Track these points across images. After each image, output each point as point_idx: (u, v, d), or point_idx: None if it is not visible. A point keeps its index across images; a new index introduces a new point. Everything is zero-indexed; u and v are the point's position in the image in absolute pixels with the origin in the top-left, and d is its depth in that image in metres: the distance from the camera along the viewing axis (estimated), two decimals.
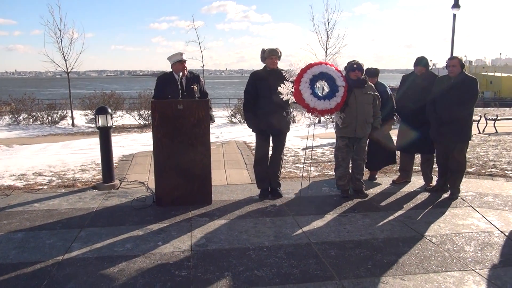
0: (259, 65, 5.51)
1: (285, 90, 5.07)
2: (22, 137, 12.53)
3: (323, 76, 5.12)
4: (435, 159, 5.89)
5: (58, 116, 16.70)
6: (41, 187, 6.09)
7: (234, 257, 3.80)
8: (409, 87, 5.83)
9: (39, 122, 16.28)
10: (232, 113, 17.42)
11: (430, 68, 6.09)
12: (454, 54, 17.18)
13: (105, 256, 3.81)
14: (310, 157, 7.91)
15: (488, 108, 24.68)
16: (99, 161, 6.27)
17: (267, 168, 5.57)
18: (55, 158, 8.30)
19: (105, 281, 3.36)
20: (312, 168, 7.15)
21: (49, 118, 16.39)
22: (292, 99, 5.13)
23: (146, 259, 3.75)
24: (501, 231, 4.41)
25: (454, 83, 5.28)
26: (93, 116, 14.91)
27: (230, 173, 6.93)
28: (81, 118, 16.99)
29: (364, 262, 3.72)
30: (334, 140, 6.01)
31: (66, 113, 17.07)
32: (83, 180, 6.45)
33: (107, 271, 3.53)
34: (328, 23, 16.91)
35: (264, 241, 4.17)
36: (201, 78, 5.74)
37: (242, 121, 15.90)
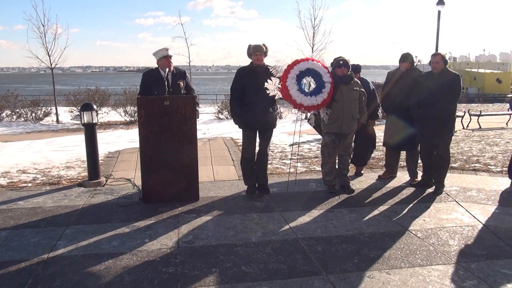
0: (246, 61, 5.50)
1: (272, 86, 5.07)
2: (5, 134, 12.34)
3: (309, 72, 5.14)
4: (419, 154, 5.95)
5: (42, 112, 16.49)
6: (25, 184, 6.02)
7: (221, 253, 3.80)
8: (400, 81, 5.83)
9: (22, 119, 16.06)
10: (219, 109, 17.38)
11: (415, 64, 6.15)
12: (438, 51, 17.37)
13: (91, 254, 3.78)
14: (297, 153, 7.93)
15: (472, 104, 25.01)
16: (85, 158, 6.21)
17: (254, 164, 5.57)
18: (40, 155, 8.19)
19: (91, 279, 3.34)
20: (299, 164, 7.18)
21: (33, 114, 16.17)
22: (278, 95, 5.14)
23: (133, 256, 3.73)
24: (484, 225, 4.49)
25: (437, 79, 5.35)
26: (78, 113, 14.75)
27: (217, 169, 6.92)
28: (65, 114, 16.79)
29: (350, 256, 3.75)
30: (320, 136, 6.04)
31: (51, 109, 16.86)
32: (68, 178, 6.38)
33: (93, 269, 3.50)
34: (315, 19, 16.96)
35: (251, 237, 4.18)
36: (187, 74, 5.70)
37: (229, 118, 15.87)
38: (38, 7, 22.19)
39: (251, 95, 5.25)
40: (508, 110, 14.51)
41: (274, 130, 5.64)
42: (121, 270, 3.48)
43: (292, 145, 8.80)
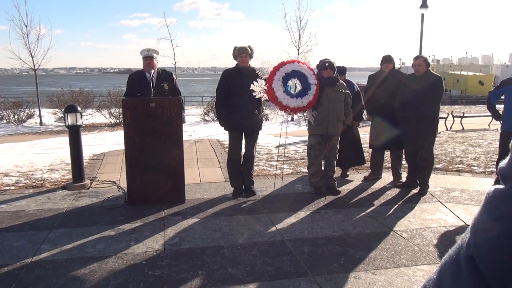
0: (232, 63, 5.50)
1: (258, 88, 5.07)
2: None
3: (295, 74, 5.16)
4: (404, 155, 6.02)
5: (25, 114, 16.23)
6: (7, 188, 5.91)
7: (207, 256, 3.78)
8: (385, 83, 5.86)
9: (4, 121, 15.79)
10: (205, 111, 17.31)
11: (400, 67, 6.22)
12: (422, 53, 17.56)
13: (76, 258, 3.73)
14: (283, 154, 7.95)
15: (455, 106, 25.36)
16: (69, 161, 6.13)
17: (240, 166, 5.57)
18: (22, 158, 8.06)
19: (75, 283, 3.29)
20: (285, 166, 7.19)
21: (16, 116, 15.90)
22: (264, 97, 5.15)
23: (118, 260, 3.70)
24: (467, 225, 4.54)
25: (420, 81, 5.43)
26: (61, 115, 14.56)
27: (204, 171, 6.89)
28: (49, 116, 16.55)
29: (336, 257, 3.77)
30: (306, 138, 6.06)
31: (34, 111, 16.60)
32: (52, 180, 6.29)
33: (77, 273, 3.45)
34: (300, 21, 17.02)
35: (238, 239, 4.17)
36: (174, 76, 5.66)
37: (215, 119, 15.83)
38: (21, 7, 21.89)
39: (236, 97, 5.25)
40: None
41: (260, 132, 5.65)
42: (106, 274, 3.44)
43: (278, 146, 8.82)
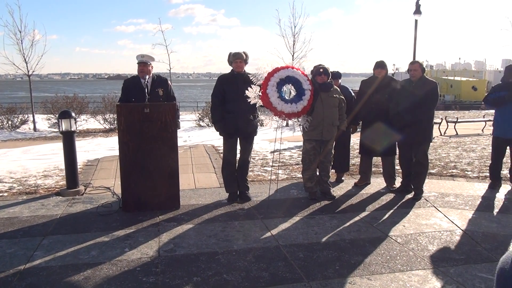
0: (227, 69, 5.52)
1: (253, 93, 5.08)
2: None
3: (289, 79, 5.17)
4: (397, 160, 6.03)
5: (19, 120, 16.13)
6: (0, 194, 5.87)
7: (202, 262, 3.77)
8: (382, 88, 5.85)
9: None
10: (200, 116, 17.30)
11: (393, 72, 6.26)
12: (416, 59, 17.67)
13: (69, 264, 3.70)
14: (278, 160, 7.95)
15: (449, 111, 25.51)
16: (63, 167, 6.10)
17: (235, 171, 5.56)
18: (16, 164, 8.01)
19: None
20: (280, 171, 7.19)
21: (9, 122, 15.80)
22: (259, 102, 5.15)
23: (113, 266, 3.67)
24: (462, 230, 4.57)
25: (415, 87, 5.46)
26: (55, 121, 14.49)
27: (198, 177, 6.88)
28: (43, 122, 16.47)
29: (332, 263, 3.76)
30: (301, 143, 6.08)
31: (27, 117, 16.51)
32: (45, 187, 6.25)
33: (71, 280, 3.43)
34: (295, 27, 17.08)
35: (233, 245, 4.16)
36: (169, 82, 5.65)
37: (210, 125, 15.82)
38: (15, 13, 21.85)
39: (232, 103, 5.26)
40: (484, 114, 14.86)
41: (255, 137, 5.65)
42: (101, 281, 3.42)
43: (273, 152, 8.82)
